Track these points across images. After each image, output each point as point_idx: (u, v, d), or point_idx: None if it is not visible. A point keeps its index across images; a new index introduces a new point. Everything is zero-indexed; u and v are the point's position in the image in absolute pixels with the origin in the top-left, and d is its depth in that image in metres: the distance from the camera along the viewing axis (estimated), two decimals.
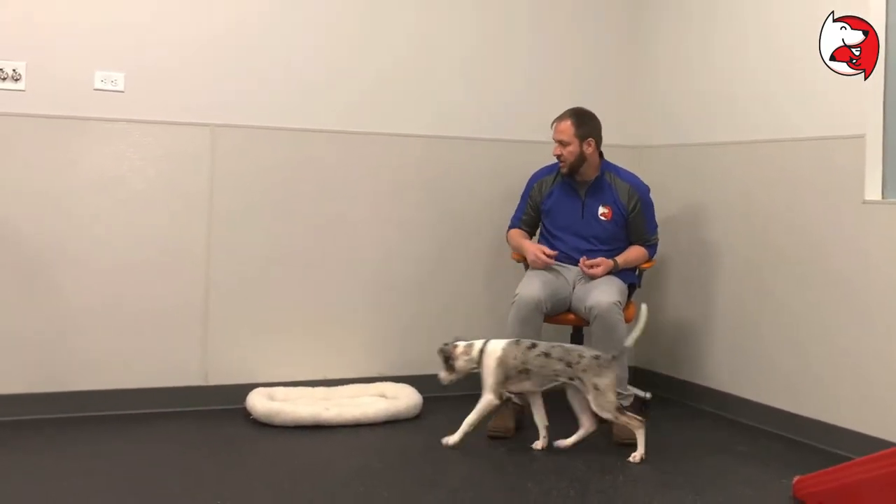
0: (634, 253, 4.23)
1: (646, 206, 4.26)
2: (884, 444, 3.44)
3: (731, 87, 4.42)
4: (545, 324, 4.09)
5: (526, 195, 4.37)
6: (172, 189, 4.20)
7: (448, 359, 3.79)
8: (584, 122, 4.15)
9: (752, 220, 4.26)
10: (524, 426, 3.99)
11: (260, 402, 4.01)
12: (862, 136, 3.73)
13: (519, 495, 3.28)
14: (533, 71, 4.82)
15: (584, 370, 3.65)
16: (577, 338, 4.37)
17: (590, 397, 3.65)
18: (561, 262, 4.20)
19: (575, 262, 4.15)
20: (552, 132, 4.18)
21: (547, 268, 4.15)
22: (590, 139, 4.14)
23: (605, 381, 3.65)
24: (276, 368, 4.26)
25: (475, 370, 3.78)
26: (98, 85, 4.07)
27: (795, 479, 3.22)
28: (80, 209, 4.06)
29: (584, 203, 4.23)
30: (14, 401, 3.95)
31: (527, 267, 4.34)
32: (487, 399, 3.75)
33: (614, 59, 4.98)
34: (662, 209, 4.35)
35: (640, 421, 3.67)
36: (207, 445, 3.79)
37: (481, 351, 3.77)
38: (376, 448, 3.80)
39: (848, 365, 3.78)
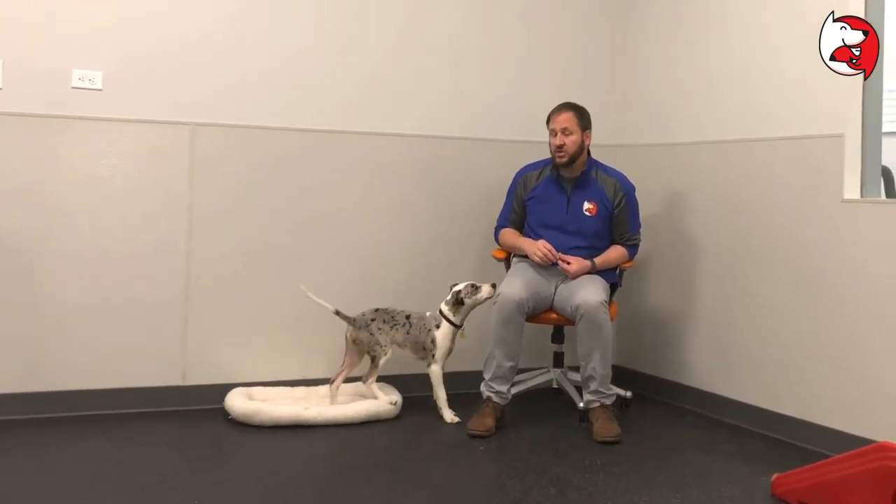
0: (613, 253, 4.23)
1: (630, 203, 4.26)
2: (865, 441, 3.43)
3: (713, 87, 4.42)
4: (526, 323, 4.08)
5: (511, 192, 4.36)
6: (152, 188, 4.16)
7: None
8: (583, 114, 4.21)
9: (734, 219, 4.26)
10: (503, 424, 3.99)
11: (238, 402, 3.99)
12: (841, 136, 3.74)
13: (499, 493, 3.27)
14: (517, 71, 4.81)
15: None
16: (557, 337, 4.37)
17: None
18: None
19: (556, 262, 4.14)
20: (550, 124, 4.18)
21: (534, 265, 4.14)
22: (588, 131, 4.20)
23: None
24: (255, 368, 4.23)
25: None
26: (76, 83, 4.03)
27: (774, 476, 3.23)
28: (58, 208, 4.02)
29: (569, 198, 4.22)
30: None
31: (508, 266, 4.33)
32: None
33: (600, 59, 4.98)
34: (644, 208, 4.36)
35: None
36: (186, 445, 3.76)
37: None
38: (356, 448, 3.78)
39: (829, 363, 3.79)
